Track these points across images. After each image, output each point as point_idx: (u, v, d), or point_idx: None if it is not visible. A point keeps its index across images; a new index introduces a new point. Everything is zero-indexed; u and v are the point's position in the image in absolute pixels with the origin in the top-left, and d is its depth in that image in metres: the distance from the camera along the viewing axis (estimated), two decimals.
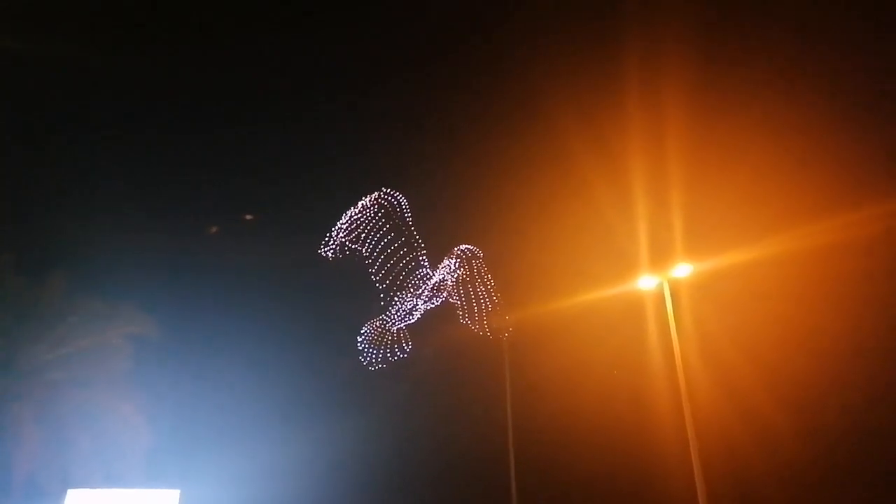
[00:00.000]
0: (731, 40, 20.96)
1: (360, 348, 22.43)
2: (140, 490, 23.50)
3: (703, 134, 22.04)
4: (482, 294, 22.68)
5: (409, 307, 22.09)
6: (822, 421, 23.39)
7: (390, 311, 22.15)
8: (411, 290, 21.93)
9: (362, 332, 22.61)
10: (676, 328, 20.56)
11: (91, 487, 22.35)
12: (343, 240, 20.91)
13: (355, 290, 23.28)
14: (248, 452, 26.59)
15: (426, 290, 22.08)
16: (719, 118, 21.75)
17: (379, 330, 22.55)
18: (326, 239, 21.16)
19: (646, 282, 21.44)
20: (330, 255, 20.90)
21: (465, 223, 24.28)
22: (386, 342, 22.51)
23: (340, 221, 21.28)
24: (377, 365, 22.39)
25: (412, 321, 22.50)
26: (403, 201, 21.08)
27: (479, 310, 22.74)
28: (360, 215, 20.91)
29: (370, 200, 20.94)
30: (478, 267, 22.51)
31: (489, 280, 22.71)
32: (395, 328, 22.55)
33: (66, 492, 21.76)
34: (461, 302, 22.64)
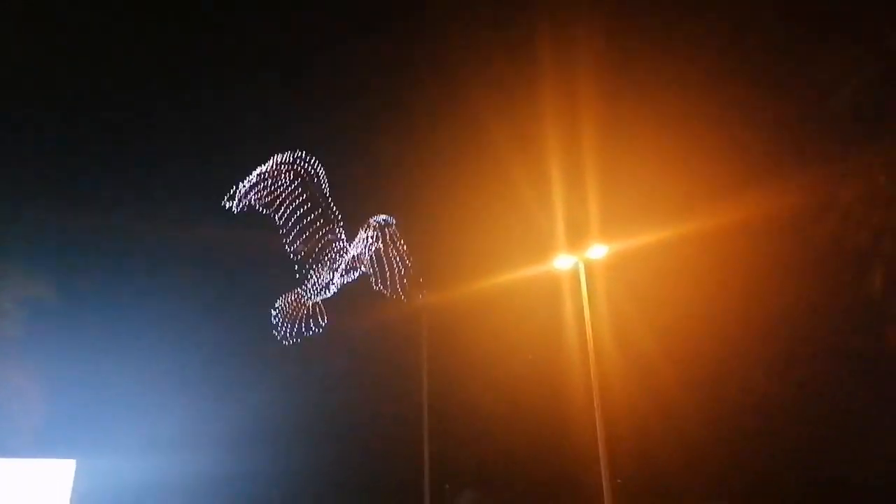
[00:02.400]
0: (643, 31, 21.23)
1: (274, 322, 21.77)
2: (33, 460, 22.37)
3: (618, 118, 22.34)
4: (399, 268, 22.32)
5: (325, 281, 21.54)
6: (725, 398, 24.51)
7: (305, 285, 21.53)
8: (327, 263, 21.36)
9: (276, 305, 21.91)
10: (590, 307, 20.90)
11: None
12: (253, 200, 19.85)
13: (268, 260, 22.55)
14: (149, 422, 25.73)
15: (343, 264, 21.57)
16: (633, 104, 22.08)
17: (293, 304, 21.90)
18: (232, 192, 19.89)
19: (562, 262, 21.63)
20: (235, 209, 19.71)
21: (382, 202, 23.81)
22: (300, 317, 21.92)
23: (249, 177, 20.16)
24: (291, 339, 21.81)
25: (328, 296, 22.00)
26: (322, 171, 20.30)
27: (397, 284, 22.43)
28: (273, 181, 19.94)
29: (286, 167, 19.96)
30: (394, 238, 22.08)
31: (406, 254, 22.37)
32: (310, 302, 21.96)
33: None
34: (378, 276, 22.24)
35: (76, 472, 22.16)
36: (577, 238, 22.05)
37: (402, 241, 22.14)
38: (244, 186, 19.76)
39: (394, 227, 22.04)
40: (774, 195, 19.32)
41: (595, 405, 20.13)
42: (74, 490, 21.99)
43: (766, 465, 23.92)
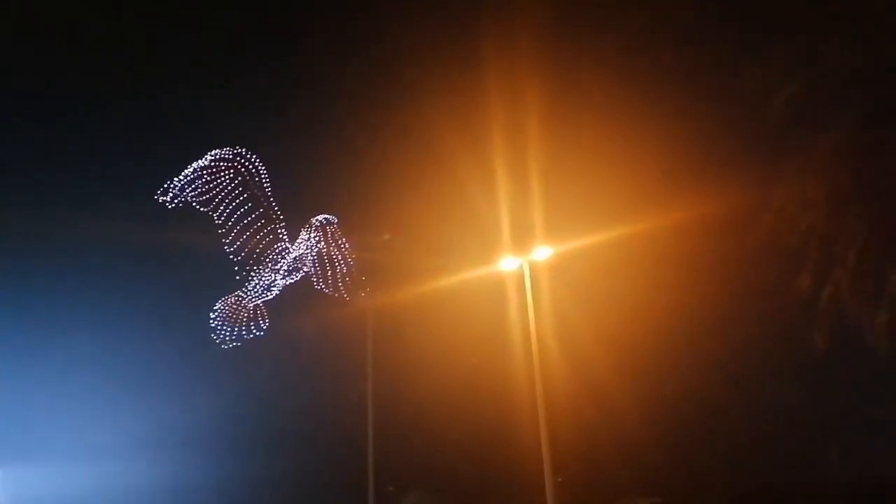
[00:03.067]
0: (585, 38, 21.59)
1: (213, 326, 21.19)
2: None
3: (562, 123, 22.66)
4: (342, 268, 22.06)
5: (266, 282, 21.11)
6: (665, 397, 25.14)
7: (247, 287, 21.05)
8: (269, 264, 20.94)
9: (215, 308, 21.34)
10: (534, 307, 21.13)
11: None
12: (190, 197, 19.17)
13: (207, 261, 21.98)
14: (76, 429, 24.83)
15: (285, 265, 21.19)
16: (577, 108, 22.42)
17: (234, 307, 21.38)
18: (167, 187, 19.13)
19: (507, 263, 21.81)
20: (170, 204, 18.97)
21: (325, 202, 23.51)
22: (241, 320, 21.42)
23: (187, 172, 19.45)
24: (231, 343, 21.28)
25: (270, 297, 21.57)
26: (263, 170, 19.86)
27: (340, 284, 22.16)
28: (212, 178, 19.34)
29: (225, 164, 19.38)
30: (336, 238, 21.81)
31: (349, 253, 22.13)
32: (251, 304, 21.49)
33: None
34: (321, 277, 21.93)
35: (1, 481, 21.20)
36: (522, 240, 22.27)
37: (344, 241, 21.93)
38: (180, 182, 19.04)
39: (335, 226, 21.78)
40: (712, 198, 19.88)
41: (538, 405, 20.37)
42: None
43: (703, 463, 24.66)
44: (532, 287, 21.17)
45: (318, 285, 21.84)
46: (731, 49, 15.09)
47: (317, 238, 21.57)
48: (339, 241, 21.88)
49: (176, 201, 18.81)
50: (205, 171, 19.20)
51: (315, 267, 21.76)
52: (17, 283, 25.85)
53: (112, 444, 24.78)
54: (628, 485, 27.21)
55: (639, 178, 21.57)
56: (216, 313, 21.30)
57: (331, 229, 21.75)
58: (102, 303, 25.55)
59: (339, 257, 21.86)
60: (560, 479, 21.61)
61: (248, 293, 21.15)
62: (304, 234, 21.48)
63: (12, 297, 25.67)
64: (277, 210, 20.47)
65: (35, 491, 23.38)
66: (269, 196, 20.12)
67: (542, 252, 21.65)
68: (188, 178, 19.06)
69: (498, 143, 22.99)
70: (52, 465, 24.07)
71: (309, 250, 21.52)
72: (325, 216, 21.85)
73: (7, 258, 25.58)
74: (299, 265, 21.56)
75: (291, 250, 21.31)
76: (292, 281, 21.66)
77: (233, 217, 19.74)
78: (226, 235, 19.83)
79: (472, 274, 23.08)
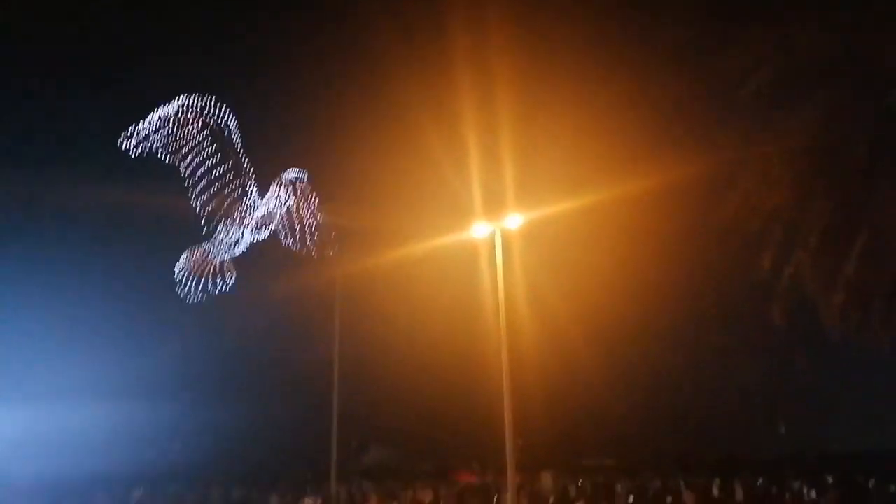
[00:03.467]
0: (554, 6, 21.35)
1: (178, 279, 20.98)
2: None
3: (533, 89, 22.51)
4: (311, 225, 21.87)
5: (234, 238, 20.90)
6: (627, 363, 25.71)
7: (213, 241, 20.82)
8: (237, 219, 20.70)
9: (181, 261, 21.10)
10: (504, 274, 21.29)
11: None
12: (156, 145, 18.63)
13: (173, 213, 21.64)
14: (50, 372, 24.75)
15: (253, 220, 20.97)
16: (548, 74, 22.27)
17: (200, 260, 21.16)
18: (131, 131, 18.47)
19: (478, 230, 21.85)
20: (133, 151, 18.36)
21: (295, 159, 23.21)
22: (207, 273, 21.23)
23: (151, 118, 18.82)
24: (196, 297, 21.13)
25: (237, 253, 21.38)
26: (233, 122, 19.42)
27: (309, 241, 22.01)
28: (179, 126, 18.82)
29: (193, 113, 18.88)
30: (306, 194, 21.57)
31: (319, 210, 21.93)
32: (218, 259, 21.29)
33: None
34: (290, 233, 21.75)
35: None
36: (494, 207, 22.30)
37: (314, 197, 21.69)
38: (146, 127, 18.47)
39: (306, 182, 21.53)
40: (679, 172, 19.95)
41: (503, 368, 20.69)
42: None
43: (658, 428, 25.41)
44: (503, 254, 21.33)
45: (287, 242, 21.70)
46: (705, 25, 14.99)
47: (287, 194, 21.34)
48: (309, 198, 21.67)
49: (141, 148, 18.27)
50: (171, 120, 18.67)
51: (284, 223, 21.58)
52: None
53: (76, 389, 24.70)
54: (591, 447, 27.98)
55: (609, 147, 21.57)
56: (182, 266, 21.10)
57: (301, 185, 21.50)
58: (72, 252, 25.19)
59: (309, 214, 21.69)
60: (521, 442, 22.13)
61: (215, 247, 20.95)
62: (273, 190, 21.22)
63: None
64: (247, 164, 20.16)
65: (8, 432, 23.34)
66: (239, 149, 19.77)
67: (514, 220, 21.76)
68: (154, 124, 18.48)
69: (469, 109, 22.83)
70: (26, 406, 24.01)
71: (278, 206, 21.29)
72: (296, 171, 21.56)
73: None
74: (268, 221, 21.36)
75: (260, 205, 21.08)
76: (260, 237, 21.50)
77: (200, 169, 19.39)
78: (193, 187, 19.50)
79: (442, 239, 23.14)
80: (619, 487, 29.07)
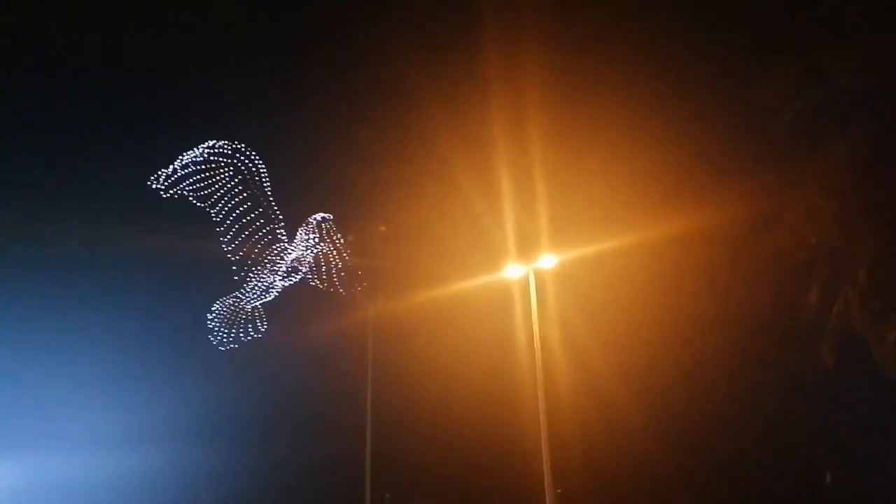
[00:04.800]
0: (592, 46, 21.32)
1: (211, 327, 20.97)
2: None
3: (568, 130, 22.38)
4: (340, 267, 21.77)
5: (265, 284, 20.88)
6: (671, 408, 24.73)
7: (244, 288, 20.82)
8: (268, 265, 20.71)
9: (213, 310, 21.12)
10: (539, 316, 20.90)
11: None
12: (187, 189, 18.79)
13: (204, 261, 21.77)
14: (74, 422, 24.79)
15: (284, 266, 20.96)
16: (583, 116, 22.13)
17: (232, 308, 21.16)
18: (163, 175, 18.63)
19: (512, 271, 21.59)
20: (164, 193, 18.46)
21: (325, 208, 23.26)
22: (239, 322, 21.19)
23: (183, 160, 19.00)
24: (228, 345, 21.05)
25: (268, 299, 21.33)
26: (262, 168, 19.58)
27: (339, 284, 21.89)
28: (210, 172, 19.01)
29: (224, 160, 19.08)
30: (333, 236, 21.53)
31: (347, 251, 21.85)
32: (249, 307, 21.26)
33: None
34: (320, 277, 21.66)
35: None
36: (527, 248, 22.05)
37: (341, 238, 21.65)
38: (175, 171, 18.66)
39: (332, 223, 21.52)
40: (721, 209, 19.51)
41: (540, 415, 20.09)
42: None
43: (706, 474, 24.23)
44: (537, 295, 20.97)
45: (316, 284, 21.60)
46: (742, 60, 14.78)
47: (315, 237, 21.33)
48: (336, 239, 21.63)
49: (172, 192, 18.45)
50: (203, 166, 18.89)
51: (313, 267, 21.53)
52: (19, 278, 25.75)
53: (107, 436, 24.65)
54: (631, 495, 26.83)
55: (646, 187, 21.25)
56: (214, 315, 21.11)
57: (327, 226, 21.49)
58: (102, 299, 25.42)
59: (336, 255, 21.62)
60: (560, 490, 21.32)
61: (247, 295, 20.95)
62: (301, 234, 21.24)
63: (14, 291, 25.60)
64: (276, 210, 20.26)
65: (30, 481, 23.33)
66: (269, 195, 19.90)
67: (548, 260, 21.43)
68: (184, 167, 18.68)
69: (504, 150, 22.76)
70: (49, 456, 24.01)
71: (307, 250, 21.28)
72: (322, 215, 21.58)
73: (9, 255, 25.54)
74: (298, 266, 21.33)
75: (290, 251, 21.08)
76: (291, 282, 21.46)
77: (231, 216, 19.52)
78: (224, 235, 19.62)
79: (476, 281, 22.87)
80: None
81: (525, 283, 21.40)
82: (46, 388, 24.88)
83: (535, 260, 21.26)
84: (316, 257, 21.49)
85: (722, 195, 18.09)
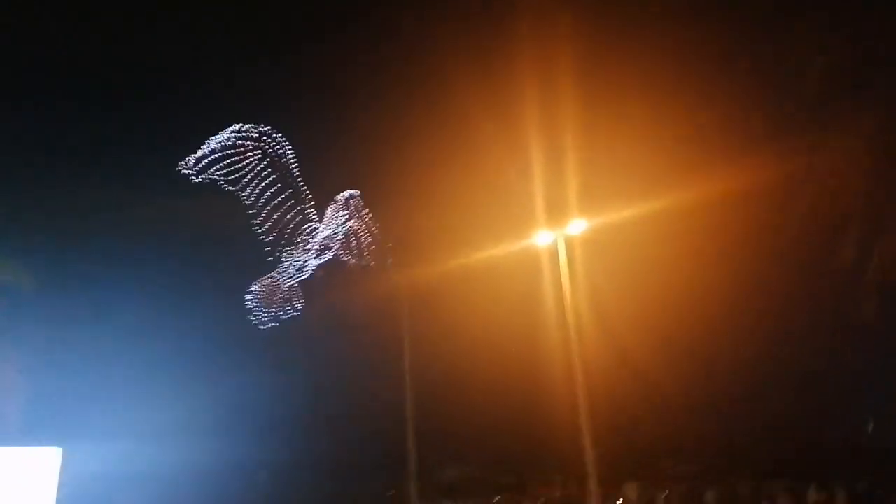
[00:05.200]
0: (620, 5, 20.79)
1: (250, 308, 21.54)
2: (15, 448, 22.21)
3: (596, 89, 21.97)
4: (369, 241, 22.02)
5: (298, 264, 21.28)
6: (705, 368, 24.65)
7: (279, 269, 21.25)
8: (300, 244, 21.07)
9: (251, 290, 21.66)
10: (569, 281, 20.92)
11: None
12: (216, 174, 19.08)
13: (241, 244, 22.21)
14: (139, 407, 25.66)
15: (315, 245, 21.30)
16: (613, 72, 21.69)
17: (269, 288, 21.67)
18: (193, 161, 18.89)
19: (541, 237, 21.57)
20: (195, 178, 18.78)
21: (352, 176, 23.38)
22: (276, 301, 21.70)
23: (210, 145, 19.24)
24: (268, 324, 21.61)
25: (303, 278, 21.73)
26: (288, 147, 19.77)
27: (369, 258, 22.15)
28: (240, 157, 19.25)
29: (252, 143, 19.28)
30: (360, 210, 21.74)
31: (375, 225, 22.08)
32: (285, 286, 21.72)
33: None
34: (351, 253, 21.96)
35: (63, 459, 21.96)
36: (556, 213, 21.94)
37: (369, 212, 21.87)
38: (204, 156, 18.94)
39: (359, 199, 21.72)
40: (754, 166, 19.15)
41: (576, 379, 20.27)
42: (61, 478, 21.84)
43: (744, 435, 24.28)
44: (567, 260, 20.94)
45: (347, 260, 21.91)
46: (775, 14, 14.34)
47: (344, 214, 21.58)
48: (363, 214, 21.85)
49: (202, 178, 18.76)
50: (230, 150, 19.14)
51: (343, 243, 21.83)
52: (80, 265, 26.65)
53: (175, 421, 25.51)
54: (669, 455, 27.00)
55: (678, 147, 20.88)
56: (252, 296, 21.65)
57: (355, 203, 21.70)
58: (157, 286, 26.16)
59: (364, 229, 21.87)
60: (600, 452, 21.57)
61: (282, 274, 21.38)
62: (330, 212, 21.53)
63: (74, 281, 26.50)
64: (305, 189, 20.51)
65: (98, 469, 24.28)
66: (297, 176, 20.13)
67: (577, 225, 21.32)
68: (212, 152, 18.93)
69: (530, 113, 22.49)
70: (115, 445, 24.91)
71: (337, 228, 21.56)
72: (349, 192, 21.80)
73: (69, 242, 26.39)
74: (329, 244, 21.64)
75: (320, 229, 21.39)
76: (324, 260, 21.80)
77: (262, 198, 19.84)
78: (256, 217, 19.98)
79: (504, 247, 22.88)
80: (707, 495, 27.87)
81: (553, 249, 21.40)
82: (115, 378, 25.83)
83: (564, 225, 21.19)
84: (346, 234, 21.77)
85: (755, 155, 17.74)
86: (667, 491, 29.04)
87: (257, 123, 19.69)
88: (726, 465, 28.08)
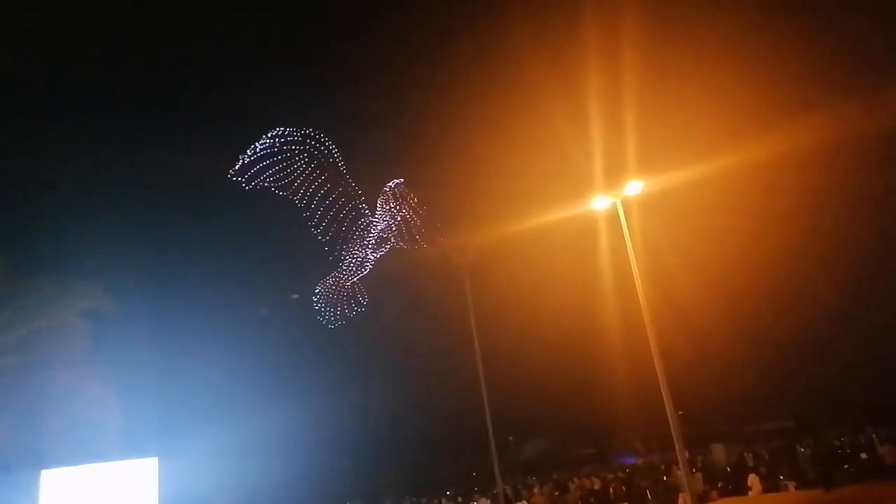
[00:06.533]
0: None
1: (318, 308, 21.96)
2: (117, 462, 23.41)
3: (654, 52, 21.25)
4: (420, 224, 21.97)
5: (358, 259, 21.51)
6: (774, 325, 23.83)
7: (342, 266, 21.53)
8: (357, 241, 21.28)
9: (317, 292, 22.08)
10: (632, 244, 20.43)
11: (67, 465, 21.94)
12: (267, 180, 19.38)
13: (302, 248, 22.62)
14: (230, 418, 26.74)
15: (372, 239, 21.46)
16: (670, 36, 20.93)
17: (334, 287, 22.01)
18: (242, 166, 19.24)
19: (599, 201, 21.08)
20: (245, 184, 19.10)
21: (412, 146, 23.34)
22: (342, 299, 22.06)
23: (257, 149, 19.50)
24: (337, 322, 21.99)
25: (365, 273, 21.98)
26: (334, 148, 19.92)
27: (419, 238, 22.11)
28: (289, 162, 19.50)
29: (299, 147, 19.50)
30: (408, 197, 21.69)
31: (427, 212, 22.02)
32: (349, 283, 22.03)
33: (40, 473, 21.36)
34: (407, 239, 21.99)
35: (159, 469, 23.01)
36: (613, 176, 21.36)
37: (414, 197, 21.82)
38: (252, 161, 19.23)
39: (403, 187, 21.67)
40: (809, 129, 18.27)
41: (651, 342, 19.82)
42: (161, 486, 22.90)
43: (838, 381, 23.39)
44: (627, 223, 20.43)
45: (402, 247, 21.95)
46: None
47: (394, 204, 21.60)
48: (411, 199, 21.79)
49: (253, 184, 19.08)
50: (279, 157, 19.40)
51: (398, 233, 21.88)
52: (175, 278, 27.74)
53: (261, 433, 26.41)
54: (758, 411, 26.27)
55: (735, 106, 20.03)
56: (318, 296, 22.08)
57: (400, 190, 21.68)
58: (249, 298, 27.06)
59: (415, 214, 21.83)
60: (681, 413, 21.13)
61: (344, 272, 21.67)
62: (381, 203, 21.58)
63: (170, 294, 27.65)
64: (355, 186, 20.66)
65: (191, 478, 25.35)
66: (346, 173, 20.29)
67: (635, 186, 20.74)
68: (260, 159, 19.21)
69: (586, 78, 21.92)
70: (210, 454, 26.00)
71: (391, 219, 21.62)
72: (395, 181, 21.81)
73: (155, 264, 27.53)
74: (385, 235, 21.76)
75: (374, 223, 21.54)
76: (382, 253, 21.97)
77: (314, 199, 20.09)
78: (311, 219, 20.27)
79: (563, 214, 22.45)
80: (800, 449, 27.03)
81: (611, 212, 20.91)
82: (204, 393, 26.98)
83: (621, 188, 20.63)
84: (399, 223, 21.82)
85: (814, 117, 16.89)
86: (757, 448, 28.34)
87: (302, 126, 19.89)
88: (821, 419, 27.18)
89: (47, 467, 21.73)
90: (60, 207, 26.26)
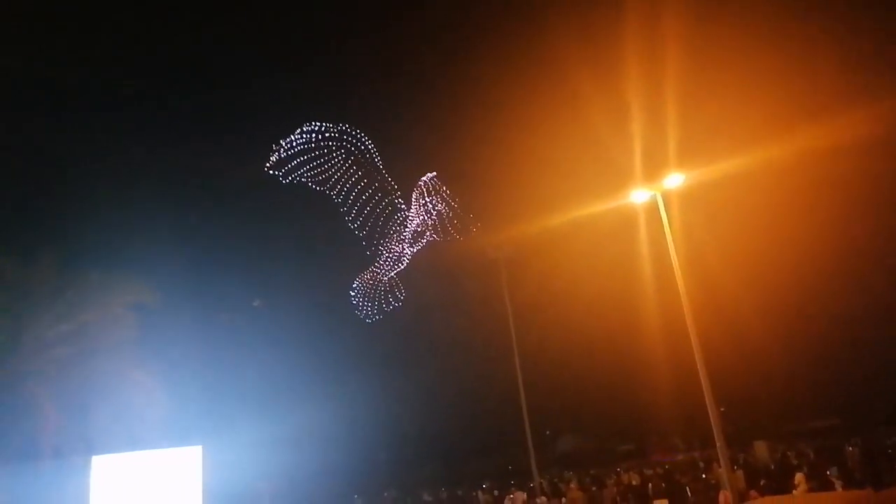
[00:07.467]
0: None
1: (355, 303, 22.20)
2: (164, 450, 24.07)
3: (694, 45, 20.87)
4: (453, 216, 21.98)
5: (395, 254, 21.66)
6: (817, 320, 23.23)
7: (378, 262, 21.74)
8: (394, 236, 21.43)
9: (354, 287, 22.33)
10: (672, 237, 20.16)
11: (115, 452, 22.64)
12: (304, 175, 19.59)
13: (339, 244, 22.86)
14: (271, 408, 27.28)
15: (409, 234, 21.59)
16: (710, 29, 20.53)
17: (371, 282, 22.23)
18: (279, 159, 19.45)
19: (639, 194, 20.85)
20: (283, 178, 19.30)
21: (451, 141, 23.39)
22: (380, 294, 22.28)
23: (292, 142, 19.67)
24: (375, 317, 22.24)
25: (402, 267, 22.13)
26: (371, 145, 20.05)
27: (453, 230, 22.12)
28: (326, 158, 19.69)
29: (335, 143, 19.68)
30: (441, 190, 21.72)
31: (462, 205, 22.01)
32: (386, 278, 22.22)
33: (90, 459, 22.08)
34: (442, 232, 22.04)
35: (203, 456, 23.58)
36: (652, 169, 21.10)
37: (446, 190, 21.84)
38: (288, 155, 19.44)
39: (436, 181, 21.70)
40: (858, 119, 17.73)
41: (692, 337, 19.53)
42: (204, 473, 23.48)
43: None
44: (667, 215, 20.16)
45: (438, 239, 22.01)
46: None
47: (429, 199, 21.66)
48: (444, 192, 21.82)
49: (290, 178, 19.30)
50: (315, 153, 19.58)
51: (434, 227, 21.94)
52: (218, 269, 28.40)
53: (303, 421, 26.88)
54: (804, 409, 25.69)
55: (776, 100, 19.56)
56: (356, 291, 22.32)
57: (434, 184, 21.72)
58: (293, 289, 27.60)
59: (448, 207, 21.84)
60: (723, 409, 20.81)
61: (381, 267, 21.85)
62: (416, 198, 21.67)
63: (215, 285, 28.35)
64: (391, 181, 20.78)
65: (234, 466, 25.95)
66: (381, 169, 20.42)
67: (675, 179, 20.44)
68: (296, 155, 19.40)
69: (626, 71, 21.67)
70: (252, 441, 26.58)
71: (426, 213, 21.69)
72: (429, 175, 21.86)
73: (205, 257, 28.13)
74: (421, 230, 21.86)
75: (411, 218, 21.65)
76: (419, 248, 22.09)
77: (352, 195, 20.29)
78: (348, 214, 20.47)
79: (600, 208, 22.24)
80: (848, 448, 26.29)
81: (651, 205, 20.65)
82: (245, 383, 27.61)
83: (660, 181, 20.36)
84: (434, 217, 21.88)
85: (863, 107, 16.38)
86: (800, 447, 27.66)
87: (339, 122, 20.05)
88: (869, 416, 26.46)
89: (97, 454, 22.43)
90: (110, 203, 27.02)
